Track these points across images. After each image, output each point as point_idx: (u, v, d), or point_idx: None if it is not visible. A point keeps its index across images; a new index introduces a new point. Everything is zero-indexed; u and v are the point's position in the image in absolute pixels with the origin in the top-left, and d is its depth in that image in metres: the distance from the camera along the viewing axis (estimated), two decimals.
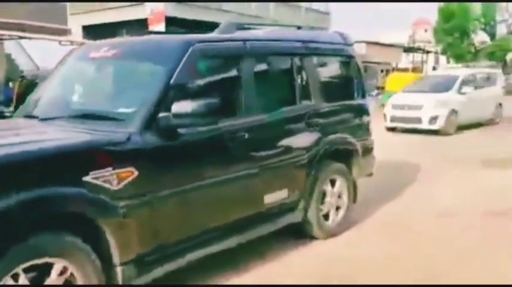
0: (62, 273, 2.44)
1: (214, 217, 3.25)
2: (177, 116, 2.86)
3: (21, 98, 7.21)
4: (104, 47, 3.41)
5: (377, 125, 6.16)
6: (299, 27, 4.43)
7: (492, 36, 36.66)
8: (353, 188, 4.54)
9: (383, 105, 17.95)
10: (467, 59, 35.24)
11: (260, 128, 3.52)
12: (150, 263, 2.82)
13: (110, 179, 2.58)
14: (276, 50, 3.93)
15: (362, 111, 4.74)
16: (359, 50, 21.33)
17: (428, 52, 33.09)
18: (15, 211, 2.22)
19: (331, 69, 4.61)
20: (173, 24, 15.38)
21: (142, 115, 2.83)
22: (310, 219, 4.07)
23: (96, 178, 2.52)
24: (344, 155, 4.42)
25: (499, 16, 36.44)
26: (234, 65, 3.48)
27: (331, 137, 4.21)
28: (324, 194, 4.21)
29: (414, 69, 29.44)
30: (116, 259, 2.64)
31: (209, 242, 3.19)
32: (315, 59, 4.18)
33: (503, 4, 36.24)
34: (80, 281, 2.49)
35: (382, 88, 20.20)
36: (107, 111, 3.03)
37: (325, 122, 4.17)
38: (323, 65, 4.41)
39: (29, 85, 9.70)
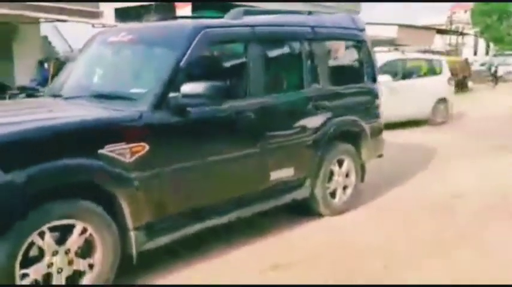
0: (82, 233, 2.78)
1: (220, 191, 3.53)
2: (186, 96, 3.13)
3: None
4: (122, 32, 3.70)
5: None
6: (310, 12, 4.57)
7: None
8: (361, 168, 4.72)
9: None
10: (507, 42, 33.90)
11: (266, 110, 3.74)
12: (158, 230, 3.13)
13: (123, 152, 2.88)
14: (284, 35, 4.11)
15: (371, 94, 4.86)
16: (390, 34, 20.99)
17: (464, 34, 31.98)
18: (38, 177, 2.55)
19: (340, 53, 4.74)
20: (202, 7, 15.59)
21: (153, 95, 3.11)
22: (316, 196, 4.29)
23: (111, 151, 2.83)
24: (352, 137, 4.59)
25: None
26: (242, 49, 3.69)
27: (339, 119, 4.38)
28: (331, 173, 4.41)
29: (449, 53, 28.66)
30: (130, 224, 2.96)
31: (215, 215, 3.47)
32: (323, 44, 4.32)
33: None
34: (97, 241, 2.83)
35: None
36: (122, 92, 3.33)
37: (333, 104, 4.34)
38: (332, 49, 4.55)
39: (63, 66, 10.24)
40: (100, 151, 2.79)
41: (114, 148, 2.84)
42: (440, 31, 29.47)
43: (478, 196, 5.07)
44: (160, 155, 3.06)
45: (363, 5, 25.73)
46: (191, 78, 3.19)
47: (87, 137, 2.81)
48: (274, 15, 4.36)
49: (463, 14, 40.78)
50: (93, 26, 13.18)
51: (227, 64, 3.77)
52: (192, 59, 3.27)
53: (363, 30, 4.82)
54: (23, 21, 11.94)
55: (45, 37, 15.67)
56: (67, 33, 16.39)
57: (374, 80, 4.92)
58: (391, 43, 23.68)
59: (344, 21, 4.75)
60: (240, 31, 3.71)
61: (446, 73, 10.83)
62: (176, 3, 11.99)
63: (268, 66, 3.84)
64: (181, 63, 3.22)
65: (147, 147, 2.98)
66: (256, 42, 3.72)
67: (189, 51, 3.26)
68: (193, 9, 14.19)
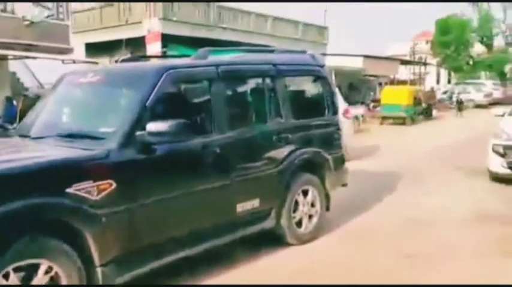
0: (47, 272, 2.82)
1: (188, 224, 3.63)
2: (153, 134, 3.27)
3: (24, 115, 7.63)
4: (90, 74, 3.85)
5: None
6: (272, 51, 4.84)
7: (490, 48, 37.05)
8: (325, 198, 4.89)
9: (383, 118, 18.39)
10: (466, 71, 35.61)
11: (231, 144, 3.90)
12: (127, 264, 3.19)
13: (90, 190, 2.97)
14: (247, 73, 4.34)
15: (333, 126, 5.11)
16: (356, 64, 21.68)
17: (426, 64, 33.42)
18: (6, 218, 2.61)
19: (302, 88, 5.01)
20: (172, 41, 15.93)
21: (120, 134, 3.24)
22: (283, 226, 4.43)
23: (78, 190, 2.92)
24: (316, 167, 4.77)
25: (496, 28, 36.90)
26: (206, 87, 3.87)
27: (302, 150, 4.57)
28: (296, 203, 4.57)
29: (412, 82, 29.85)
30: (96, 260, 3.02)
31: (184, 247, 3.56)
32: (285, 80, 4.56)
33: (500, 16, 36.91)
34: (63, 279, 2.87)
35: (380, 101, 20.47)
36: (90, 131, 3.44)
37: (296, 137, 4.54)
38: (294, 85, 4.81)
39: (32, 103, 10.18)
40: (67, 190, 2.87)
41: (81, 186, 2.93)
42: (404, 62, 30.72)
43: None
44: (128, 192, 3.16)
45: (330, 36, 26.70)
46: (158, 116, 3.35)
47: (55, 176, 2.89)
48: (239, 54, 4.59)
49: (424, 44, 42.61)
50: (63, 62, 13.24)
51: (193, 102, 3.93)
52: (157, 99, 3.43)
53: (322, 66, 5.11)
54: None
55: (14, 73, 15.56)
56: (37, 68, 16.34)
57: (335, 112, 5.18)
58: (359, 73, 24.59)
59: (305, 59, 5.03)
60: (204, 70, 3.90)
61: (342, 105, 9.16)
62: (146, 39, 12.25)
63: (232, 102, 4.04)
64: (147, 103, 3.37)
65: (114, 184, 3.08)
66: (220, 81, 3.92)
67: (154, 92, 3.42)
68: (164, 45, 14.47)
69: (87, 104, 3.91)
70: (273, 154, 4.32)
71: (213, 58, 4.13)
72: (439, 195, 6.53)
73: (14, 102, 12.05)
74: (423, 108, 19.69)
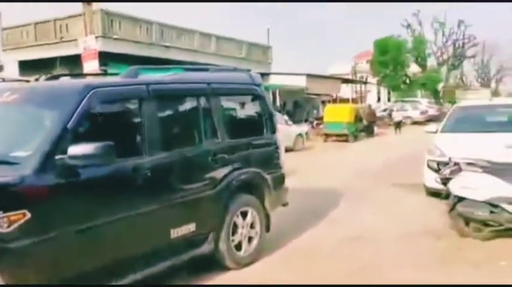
0: None
1: (116, 251, 3.39)
2: (75, 157, 3.02)
3: None
4: (6, 93, 3.53)
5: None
6: (206, 69, 4.73)
7: (424, 68, 39.36)
8: (265, 218, 4.78)
9: (327, 135, 18.80)
10: (403, 90, 37.48)
11: (164, 166, 3.72)
12: None
13: None
14: (179, 91, 4.17)
15: (271, 145, 5.04)
16: (299, 83, 22.09)
17: (366, 83, 34.79)
18: None
19: (238, 108, 4.91)
20: (114, 59, 15.47)
21: (37, 158, 2.97)
22: (221, 250, 4.25)
23: None
24: (254, 188, 4.66)
25: (428, 49, 39.44)
26: (136, 107, 3.68)
27: (240, 171, 4.45)
28: (235, 226, 4.42)
29: (354, 100, 30.96)
30: None
31: (114, 276, 3.32)
32: (220, 99, 4.44)
33: (432, 38, 39.55)
34: None
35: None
36: (1, 156, 3.11)
37: (233, 157, 4.42)
38: (230, 104, 4.70)
39: None
40: None
41: None
42: (346, 81, 31.78)
43: None
44: (46, 221, 2.90)
45: (274, 55, 27.16)
46: (82, 138, 3.12)
47: None
48: (170, 73, 4.43)
49: (365, 64, 44.44)
50: None
51: (122, 122, 3.71)
52: (81, 119, 3.21)
53: (259, 85, 5.05)
54: None
55: None
56: None
57: (273, 131, 5.12)
58: (302, 91, 25.12)
59: (241, 77, 4.95)
60: (133, 89, 3.71)
61: None
62: (82, 57, 11.76)
63: (164, 122, 3.87)
64: (69, 124, 3.13)
65: (28, 214, 2.80)
66: (151, 100, 3.74)
67: (77, 112, 3.19)
68: (105, 63, 14.00)
69: (1, 126, 3.58)
70: (209, 175, 4.17)
71: (143, 77, 3.95)
72: (378, 211, 6.62)
73: None
74: (364, 126, 20.33)
